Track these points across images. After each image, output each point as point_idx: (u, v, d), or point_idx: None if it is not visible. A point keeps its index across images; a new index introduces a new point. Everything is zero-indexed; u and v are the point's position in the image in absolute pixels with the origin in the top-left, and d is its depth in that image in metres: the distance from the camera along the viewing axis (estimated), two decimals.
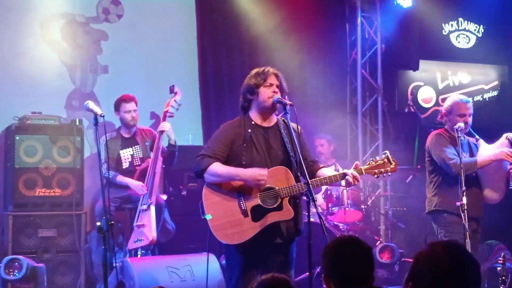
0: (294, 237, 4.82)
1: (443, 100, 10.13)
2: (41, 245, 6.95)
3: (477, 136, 5.92)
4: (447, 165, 5.73)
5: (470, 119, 5.87)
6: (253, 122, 4.82)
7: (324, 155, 8.58)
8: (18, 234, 6.89)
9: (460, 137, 5.67)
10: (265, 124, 4.84)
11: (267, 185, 4.64)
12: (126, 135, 7.24)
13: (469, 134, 6.06)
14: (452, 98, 6.03)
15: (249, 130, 4.78)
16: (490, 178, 5.81)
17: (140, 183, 6.85)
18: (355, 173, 4.66)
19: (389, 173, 4.80)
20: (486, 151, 5.80)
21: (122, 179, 7.00)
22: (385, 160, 4.78)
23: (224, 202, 4.69)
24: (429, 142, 5.99)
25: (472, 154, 5.93)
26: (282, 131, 4.83)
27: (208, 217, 4.68)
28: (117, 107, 7.17)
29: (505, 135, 5.79)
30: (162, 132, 6.72)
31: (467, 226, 5.25)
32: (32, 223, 6.96)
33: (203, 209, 4.72)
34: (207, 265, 5.29)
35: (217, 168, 4.68)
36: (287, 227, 4.73)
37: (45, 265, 6.61)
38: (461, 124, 5.71)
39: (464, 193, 5.34)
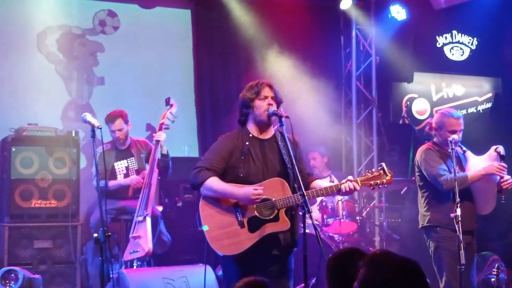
0: (291, 248, 4.83)
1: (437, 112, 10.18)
2: (37, 256, 6.96)
3: (464, 148, 5.93)
4: (438, 181, 5.73)
5: (460, 135, 5.87)
6: (250, 135, 4.85)
7: (317, 168, 8.56)
8: (14, 245, 6.89)
9: (453, 149, 5.68)
10: (262, 136, 4.87)
11: (263, 197, 4.66)
12: (121, 147, 7.25)
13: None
14: (444, 112, 6.02)
15: (247, 143, 4.80)
16: (481, 190, 5.82)
17: (135, 176, 6.86)
18: (355, 184, 4.69)
19: (385, 185, 4.82)
20: (475, 164, 5.80)
21: (115, 181, 7.02)
22: (381, 171, 4.80)
23: (221, 213, 4.71)
24: (418, 157, 5.98)
25: (461, 166, 5.94)
26: (279, 143, 4.85)
27: (205, 228, 4.69)
28: (107, 124, 7.17)
29: (493, 147, 5.79)
30: (158, 142, 6.72)
31: (461, 238, 5.27)
32: (28, 234, 6.96)
33: (200, 220, 4.74)
34: (205, 276, 5.31)
35: (213, 183, 4.70)
36: (284, 239, 4.74)
37: (41, 277, 6.61)
38: (455, 137, 5.72)
39: (458, 205, 5.36)
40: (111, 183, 7.00)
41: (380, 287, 2.47)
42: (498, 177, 5.71)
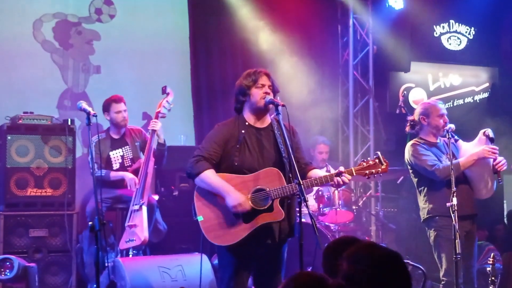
0: (286, 238, 4.83)
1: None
2: (33, 245, 6.94)
3: (456, 137, 5.93)
4: (430, 172, 5.75)
5: (447, 119, 5.93)
6: (247, 123, 4.83)
7: (324, 161, 8.55)
8: (9, 234, 6.87)
9: (450, 137, 5.69)
10: (258, 125, 4.86)
11: (258, 187, 4.65)
12: (116, 136, 7.21)
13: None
14: (425, 102, 6.14)
15: (243, 131, 4.79)
16: (477, 175, 5.83)
17: (134, 177, 6.83)
18: (347, 175, 4.68)
19: (380, 174, 4.82)
20: (467, 150, 5.81)
21: (115, 173, 6.99)
22: (376, 161, 4.79)
23: (216, 203, 4.70)
24: (407, 154, 5.99)
25: (453, 154, 5.95)
26: (276, 131, 4.84)
27: (200, 218, 4.70)
28: (107, 108, 7.13)
29: (482, 131, 5.81)
30: (154, 131, 6.70)
31: (457, 227, 5.27)
32: (23, 223, 6.94)
33: (195, 210, 4.74)
34: (201, 265, 5.31)
35: (208, 176, 4.69)
36: (280, 228, 4.74)
37: (37, 265, 6.60)
38: (452, 126, 5.74)
39: (454, 194, 5.36)
40: (112, 174, 6.97)
41: (361, 282, 2.47)
42: (492, 160, 5.72)
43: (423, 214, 5.96)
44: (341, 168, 4.72)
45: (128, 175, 6.91)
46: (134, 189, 6.66)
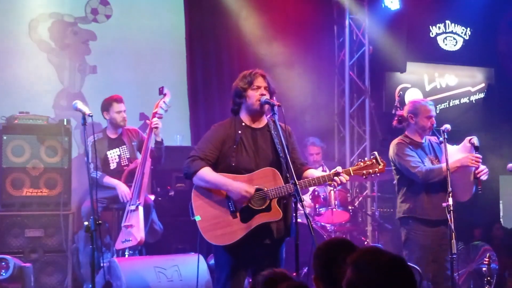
0: (283, 238, 4.84)
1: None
2: (28, 245, 6.93)
3: (441, 139, 5.96)
4: (412, 173, 5.82)
5: (434, 121, 5.99)
6: (243, 124, 4.84)
7: (318, 162, 8.56)
8: (5, 234, 6.87)
9: (446, 138, 5.72)
10: (255, 126, 4.86)
11: (256, 186, 4.65)
12: (113, 136, 7.20)
13: (433, 133, 6.12)
14: (416, 101, 6.17)
15: (239, 132, 4.79)
16: (457, 180, 5.84)
17: (127, 190, 6.78)
18: (345, 175, 4.69)
19: (378, 174, 4.84)
20: (451, 155, 5.83)
21: (109, 180, 6.95)
22: (374, 161, 4.80)
23: (213, 203, 4.71)
24: (391, 152, 6.05)
25: (436, 156, 6.01)
26: (272, 132, 4.85)
27: (197, 218, 4.69)
28: (107, 107, 7.12)
29: (467, 138, 5.83)
30: (151, 130, 6.68)
31: (453, 227, 5.29)
32: (19, 223, 6.94)
33: (192, 210, 4.74)
34: (198, 265, 5.30)
35: (206, 173, 4.69)
36: (277, 228, 4.74)
37: (32, 265, 6.60)
38: (448, 126, 5.77)
39: (450, 194, 5.39)
40: (106, 180, 6.93)
41: None
42: (474, 170, 5.74)
43: (399, 213, 6.06)
44: (339, 168, 4.72)
45: (121, 187, 6.83)
46: (125, 200, 6.63)
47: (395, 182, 6.16)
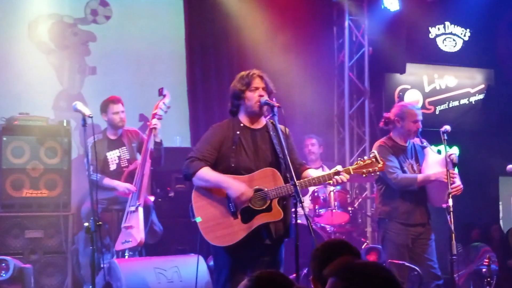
0: (283, 238, 4.84)
1: (430, 103, 10.21)
2: (28, 246, 6.92)
3: (425, 143, 6.02)
4: (388, 179, 5.92)
5: (420, 125, 6.06)
6: (242, 124, 4.84)
7: (314, 155, 8.58)
8: (5, 235, 6.86)
9: (445, 139, 5.75)
10: (254, 126, 4.86)
11: (256, 187, 4.66)
12: (112, 137, 7.20)
13: (417, 137, 6.18)
14: (403, 105, 6.27)
15: (238, 132, 4.79)
16: (433, 188, 5.96)
17: (127, 184, 6.82)
18: (345, 174, 4.70)
19: (378, 172, 4.87)
20: (430, 166, 5.93)
21: (109, 182, 6.95)
22: (373, 159, 4.81)
23: (214, 204, 4.71)
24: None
25: (417, 160, 6.06)
26: (271, 133, 4.85)
27: (198, 219, 4.69)
28: (104, 108, 7.12)
29: (448, 153, 5.87)
30: (151, 131, 6.68)
31: (452, 228, 5.30)
32: (19, 224, 6.93)
33: (193, 211, 4.73)
34: (197, 266, 5.30)
35: (206, 173, 4.69)
36: (276, 229, 4.74)
37: (32, 266, 6.59)
38: (447, 127, 5.80)
39: (451, 195, 5.42)
40: (105, 181, 6.94)
41: None
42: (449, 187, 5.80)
43: (376, 214, 6.26)
44: (339, 167, 4.73)
45: (122, 184, 6.86)
46: (134, 189, 6.64)
47: (375, 180, 6.28)
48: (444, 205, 5.84)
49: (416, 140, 6.18)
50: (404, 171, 5.96)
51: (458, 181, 5.82)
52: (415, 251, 6.03)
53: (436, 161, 5.93)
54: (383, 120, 6.25)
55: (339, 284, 2.42)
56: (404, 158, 6.04)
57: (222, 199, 4.70)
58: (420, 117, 6.07)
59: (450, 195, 5.67)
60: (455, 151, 6.54)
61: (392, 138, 6.13)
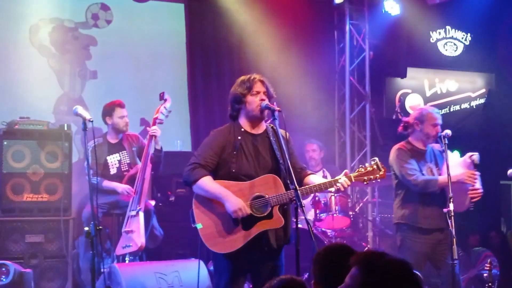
0: (283, 244, 4.82)
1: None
2: (29, 250, 6.91)
3: (443, 147, 5.96)
4: (408, 181, 5.86)
5: (440, 130, 5.96)
6: (242, 129, 4.82)
7: (315, 160, 8.59)
8: (5, 239, 6.85)
9: (446, 143, 5.71)
10: (254, 131, 4.85)
11: (257, 194, 4.64)
12: (113, 141, 7.21)
13: (436, 141, 6.13)
14: (423, 108, 6.20)
15: (239, 137, 4.78)
16: (453, 191, 5.83)
17: (127, 186, 6.83)
18: (347, 181, 4.68)
19: (378, 180, 4.84)
20: (451, 168, 5.83)
21: (108, 184, 6.97)
22: (374, 167, 4.80)
23: (215, 211, 4.69)
24: (391, 157, 6.12)
25: (437, 164, 6.02)
26: (271, 138, 4.83)
27: (199, 226, 4.68)
28: (110, 112, 7.12)
29: (468, 154, 5.83)
30: (151, 137, 6.69)
31: (454, 233, 5.28)
32: (19, 228, 6.92)
33: (193, 217, 4.72)
34: (198, 271, 5.29)
35: (206, 183, 4.68)
36: (276, 235, 4.73)
37: (33, 271, 6.58)
38: (448, 131, 5.77)
39: (451, 200, 5.38)
40: (105, 184, 6.95)
41: None
42: (469, 187, 5.75)
43: (395, 218, 6.14)
44: (342, 178, 4.70)
45: (121, 185, 6.90)
46: (133, 194, 6.64)
47: (394, 185, 6.19)
48: (463, 209, 5.83)
49: (436, 146, 6.13)
50: (423, 175, 5.91)
51: (478, 184, 5.75)
52: (437, 258, 5.98)
53: (456, 163, 5.87)
54: (402, 124, 6.19)
55: (359, 276, 2.42)
56: (423, 162, 5.98)
57: (223, 206, 4.68)
58: (439, 121, 6.00)
59: (471, 201, 5.65)
60: (455, 155, 6.44)
61: (411, 142, 6.09)
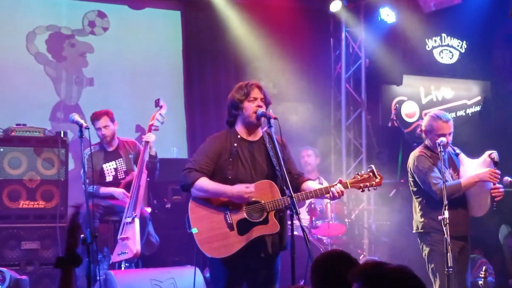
0: (279, 251, 4.83)
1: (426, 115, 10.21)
2: (25, 257, 6.90)
3: (457, 150, 5.92)
4: (432, 191, 5.65)
5: (450, 138, 5.81)
6: (239, 136, 4.83)
7: (311, 166, 8.59)
8: (1, 246, 6.83)
9: (442, 151, 5.64)
10: (250, 138, 4.85)
11: (253, 199, 4.65)
12: (109, 149, 7.21)
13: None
14: (432, 116, 5.94)
15: (235, 144, 4.79)
16: (474, 194, 5.78)
17: (122, 190, 6.85)
18: (341, 187, 4.69)
19: (374, 187, 4.83)
20: (470, 169, 5.75)
21: (105, 190, 6.99)
22: (370, 174, 4.80)
23: (210, 215, 4.69)
24: (411, 163, 5.90)
25: (454, 168, 5.92)
26: (267, 144, 4.84)
27: (194, 230, 4.68)
28: (92, 123, 7.15)
29: (487, 153, 5.73)
30: (147, 143, 6.70)
31: (449, 240, 5.26)
32: (15, 235, 6.91)
33: (189, 222, 4.72)
34: (194, 278, 5.30)
35: (204, 183, 4.68)
36: (272, 241, 4.74)
37: (29, 278, 6.58)
38: (443, 139, 5.68)
39: (446, 207, 5.34)
40: (102, 190, 6.97)
41: None
42: (491, 186, 5.68)
43: (417, 227, 5.91)
44: (338, 186, 4.70)
45: (117, 190, 6.92)
46: (127, 199, 6.65)
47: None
48: (483, 212, 5.74)
49: (450, 149, 6.00)
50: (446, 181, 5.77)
51: (499, 184, 5.65)
52: (458, 264, 5.71)
53: (476, 164, 5.79)
54: (419, 128, 6.09)
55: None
56: (444, 167, 5.84)
57: (219, 211, 4.69)
58: (447, 130, 5.78)
59: (494, 201, 5.57)
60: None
61: (428, 146, 5.96)
